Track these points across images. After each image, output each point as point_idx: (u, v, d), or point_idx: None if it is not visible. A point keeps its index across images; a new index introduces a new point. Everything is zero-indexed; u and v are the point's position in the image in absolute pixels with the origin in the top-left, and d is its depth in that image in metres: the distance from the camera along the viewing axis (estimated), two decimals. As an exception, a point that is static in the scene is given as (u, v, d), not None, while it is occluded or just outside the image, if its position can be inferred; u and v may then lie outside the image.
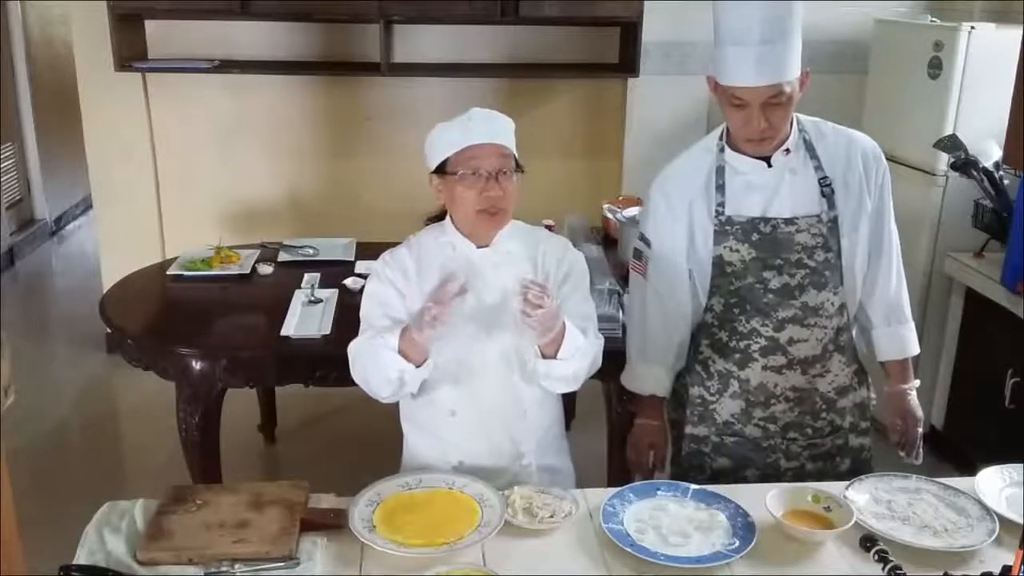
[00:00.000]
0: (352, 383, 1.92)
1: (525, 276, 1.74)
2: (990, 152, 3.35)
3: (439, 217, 1.97)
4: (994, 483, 1.81)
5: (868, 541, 1.62)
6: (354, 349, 1.89)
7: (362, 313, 1.94)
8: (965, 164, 3.25)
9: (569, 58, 4.27)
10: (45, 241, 6.51)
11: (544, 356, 1.81)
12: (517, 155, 1.89)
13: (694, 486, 1.80)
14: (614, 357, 2.15)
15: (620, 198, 3.60)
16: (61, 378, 4.39)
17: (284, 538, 1.59)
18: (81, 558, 1.57)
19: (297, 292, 2.84)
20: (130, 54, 3.99)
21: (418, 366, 1.81)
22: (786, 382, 2.00)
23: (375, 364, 1.83)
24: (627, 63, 4.11)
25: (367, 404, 1.96)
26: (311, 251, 3.28)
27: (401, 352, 1.79)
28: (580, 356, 1.83)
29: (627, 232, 3.02)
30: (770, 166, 1.93)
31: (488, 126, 1.86)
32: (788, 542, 1.65)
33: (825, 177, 1.94)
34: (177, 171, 4.32)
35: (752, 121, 1.83)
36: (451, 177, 1.84)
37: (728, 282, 1.97)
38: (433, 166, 1.88)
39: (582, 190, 4.33)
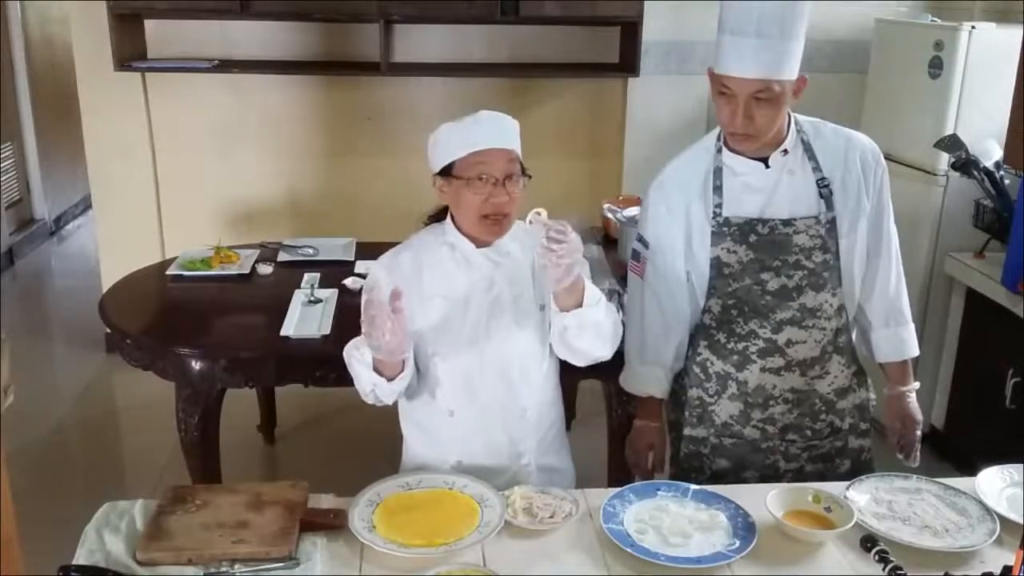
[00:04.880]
0: (352, 383, 1.92)
1: (542, 212, 1.68)
2: (991, 152, 3.35)
3: (439, 216, 1.97)
4: (995, 483, 1.81)
5: (869, 541, 1.62)
6: (345, 355, 1.90)
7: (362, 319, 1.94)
8: (966, 164, 3.25)
9: (569, 58, 4.27)
10: (44, 241, 6.51)
11: (565, 310, 1.77)
12: (521, 156, 1.88)
13: (694, 486, 1.79)
14: (614, 357, 2.15)
15: (620, 198, 3.60)
16: (61, 378, 4.39)
17: (284, 538, 1.59)
18: (81, 558, 1.57)
19: (297, 292, 2.84)
20: (130, 54, 3.98)
21: (391, 379, 1.81)
22: (784, 384, 1.99)
23: (353, 375, 1.86)
24: (627, 63, 4.11)
25: (367, 404, 1.95)
26: (311, 251, 3.28)
27: (376, 365, 1.80)
28: (604, 308, 1.80)
29: (627, 232, 3.02)
30: (768, 167, 1.93)
31: (496, 130, 1.84)
32: (788, 542, 1.65)
33: (823, 178, 1.93)
34: (177, 171, 4.32)
35: (736, 115, 1.83)
36: (457, 181, 1.82)
37: (726, 283, 1.97)
38: (438, 167, 1.86)
39: (582, 190, 4.32)
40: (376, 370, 1.81)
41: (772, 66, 1.79)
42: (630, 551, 1.59)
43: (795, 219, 1.92)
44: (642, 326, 2.07)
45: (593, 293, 1.78)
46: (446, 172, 1.85)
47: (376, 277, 1.69)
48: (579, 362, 1.91)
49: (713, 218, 1.94)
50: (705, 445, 2.07)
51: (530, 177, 1.86)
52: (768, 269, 1.94)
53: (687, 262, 1.99)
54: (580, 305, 1.76)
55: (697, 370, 2.06)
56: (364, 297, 1.71)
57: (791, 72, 1.82)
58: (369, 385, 1.84)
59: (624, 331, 2.17)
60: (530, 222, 1.69)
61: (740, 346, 1.99)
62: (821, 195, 1.93)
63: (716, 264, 1.96)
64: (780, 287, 1.94)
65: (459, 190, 1.83)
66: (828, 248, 1.94)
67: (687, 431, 2.08)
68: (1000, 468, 1.85)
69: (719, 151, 1.96)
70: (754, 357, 1.98)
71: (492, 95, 4.13)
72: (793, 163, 1.93)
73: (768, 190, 1.93)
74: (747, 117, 1.82)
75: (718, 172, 1.95)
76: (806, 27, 1.82)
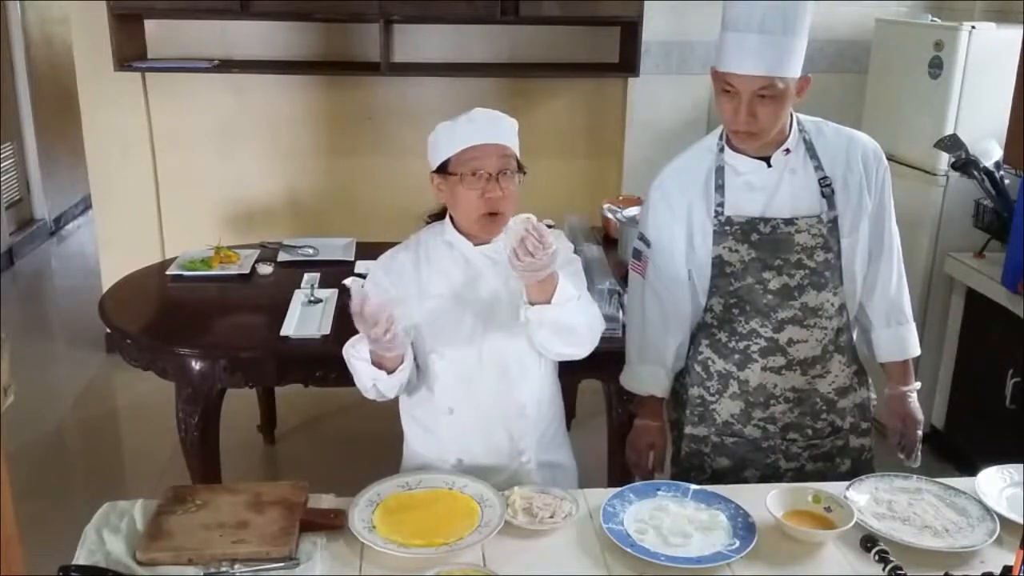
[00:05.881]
0: (352, 383, 1.93)
1: (532, 217, 1.67)
2: (991, 152, 3.35)
3: (440, 215, 1.97)
4: (995, 483, 1.81)
5: (869, 541, 1.62)
6: (344, 352, 1.90)
7: None
8: (966, 164, 3.25)
9: (569, 58, 4.26)
10: (45, 241, 6.50)
11: (533, 304, 1.75)
12: (519, 155, 1.89)
13: (694, 486, 1.79)
14: (614, 357, 2.15)
15: (620, 198, 3.60)
16: (61, 378, 4.39)
17: (284, 538, 1.59)
18: (81, 558, 1.57)
19: (297, 292, 2.84)
20: (130, 54, 3.98)
21: (391, 372, 1.82)
22: (786, 383, 1.99)
23: (353, 372, 1.87)
24: (627, 63, 4.11)
25: (367, 404, 1.96)
26: (311, 251, 3.28)
27: (375, 359, 1.81)
28: (575, 309, 1.78)
29: (627, 232, 3.02)
30: (770, 166, 1.93)
31: (490, 126, 1.86)
32: (789, 542, 1.65)
33: (825, 177, 1.93)
34: (177, 171, 4.32)
35: (739, 112, 1.83)
36: (452, 177, 1.84)
37: (727, 282, 1.97)
38: (435, 165, 1.88)
39: (582, 190, 4.32)
40: (375, 364, 1.82)
41: (775, 63, 1.79)
42: (630, 551, 1.59)
43: (797, 218, 1.92)
44: (643, 325, 2.07)
45: (565, 292, 1.75)
46: (442, 170, 1.86)
47: (359, 292, 1.70)
48: (547, 355, 1.92)
49: (715, 217, 1.94)
50: (706, 444, 2.07)
51: (525, 173, 1.87)
52: (770, 268, 1.94)
53: (688, 261, 1.99)
54: (549, 301, 1.74)
55: (698, 369, 2.06)
56: (354, 307, 1.70)
57: (794, 70, 1.82)
58: (370, 380, 1.84)
59: (625, 330, 2.18)
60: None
61: (741, 345, 1.99)
62: (823, 194, 1.93)
63: (718, 263, 1.96)
64: (782, 286, 1.94)
65: (454, 187, 1.84)
66: (830, 247, 1.94)
67: (688, 430, 2.08)
68: (1000, 468, 1.85)
69: (721, 150, 1.96)
70: (755, 356, 1.98)
71: (492, 95, 4.12)
72: (795, 162, 1.93)
73: (770, 189, 1.93)
74: (750, 114, 1.82)
75: (720, 171, 1.95)
76: (809, 25, 1.82)
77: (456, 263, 1.90)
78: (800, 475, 2.05)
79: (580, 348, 1.86)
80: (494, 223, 1.86)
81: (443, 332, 1.89)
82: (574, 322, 1.81)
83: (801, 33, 1.81)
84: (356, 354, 1.84)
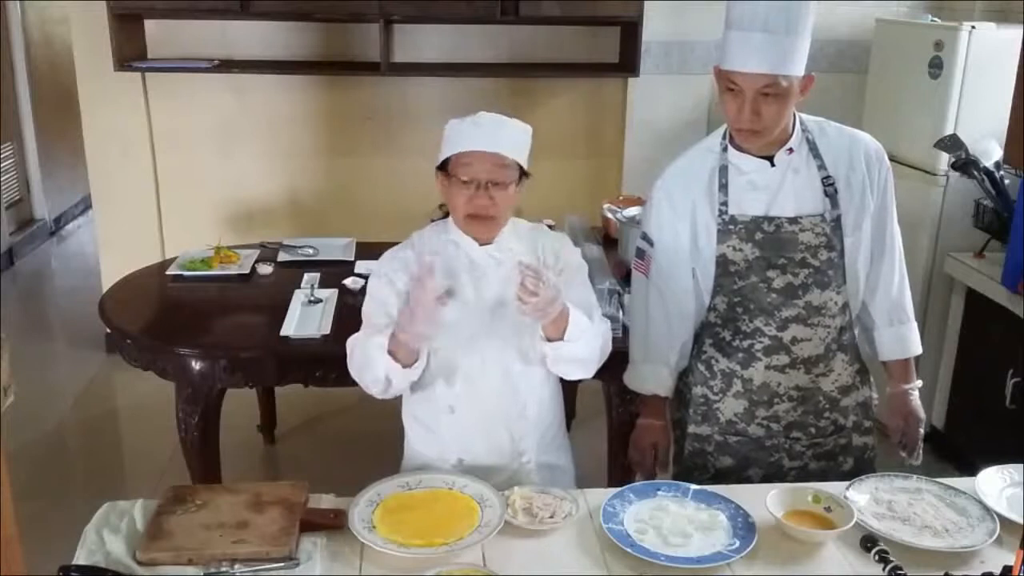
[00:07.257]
0: (352, 383, 1.92)
1: (522, 260, 1.74)
2: (991, 152, 3.35)
3: (447, 213, 1.98)
4: (995, 483, 1.81)
5: (868, 541, 1.62)
6: (351, 343, 1.91)
7: (363, 311, 1.95)
8: (966, 164, 3.25)
9: (569, 58, 4.27)
10: (44, 241, 6.50)
11: (550, 340, 1.81)
12: (525, 159, 1.89)
13: (694, 486, 1.79)
14: (615, 357, 2.15)
15: (620, 198, 3.60)
16: (61, 378, 4.38)
17: (284, 538, 1.59)
18: (81, 558, 1.57)
19: (297, 292, 2.84)
20: (130, 54, 3.98)
21: (406, 367, 1.82)
22: (789, 381, 2.00)
23: (366, 361, 1.85)
24: (627, 63, 4.11)
25: (367, 404, 1.96)
26: (311, 251, 3.28)
27: (391, 352, 1.80)
28: (589, 338, 1.84)
29: (627, 232, 3.02)
30: (773, 165, 1.93)
31: (492, 134, 1.85)
32: (789, 542, 1.65)
33: (828, 176, 1.94)
34: (177, 171, 4.32)
35: (743, 110, 1.83)
36: (451, 178, 1.86)
37: (731, 281, 1.97)
38: (439, 161, 1.90)
39: (582, 190, 4.33)
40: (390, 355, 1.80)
41: (779, 61, 1.79)
42: (630, 551, 1.59)
43: (800, 217, 1.92)
44: (646, 325, 2.07)
45: (578, 326, 1.80)
46: (443, 167, 1.88)
47: (431, 261, 1.74)
48: (560, 376, 1.97)
49: (719, 216, 1.94)
50: (709, 443, 2.07)
51: (522, 178, 1.88)
52: (774, 267, 1.94)
53: (692, 260, 1.99)
54: (563, 337, 1.79)
55: (702, 368, 2.06)
56: (420, 272, 1.72)
57: (798, 68, 1.82)
58: (383, 371, 1.82)
59: (626, 330, 2.19)
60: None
61: (745, 344, 1.99)
62: (826, 193, 1.93)
63: (722, 262, 1.96)
64: (786, 285, 1.94)
65: (449, 187, 1.86)
66: (833, 246, 1.94)
67: (691, 429, 2.08)
68: (1000, 468, 1.85)
69: (724, 149, 1.96)
70: (759, 355, 1.98)
71: (492, 95, 4.12)
72: (798, 161, 1.94)
73: (773, 188, 1.93)
74: (754, 113, 1.82)
75: (723, 170, 1.95)
76: (813, 24, 1.83)
77: (460, 262, 1.90)
78: (803, 474, 2.05)
79: (591, 371, 1.93)
80: (481, 225, 1.87)
81: (446, 332, 1.88)
82: (590, 352, 1.87)
83: (804, 32, 1.81)
84: (376, 342, 1.81)
